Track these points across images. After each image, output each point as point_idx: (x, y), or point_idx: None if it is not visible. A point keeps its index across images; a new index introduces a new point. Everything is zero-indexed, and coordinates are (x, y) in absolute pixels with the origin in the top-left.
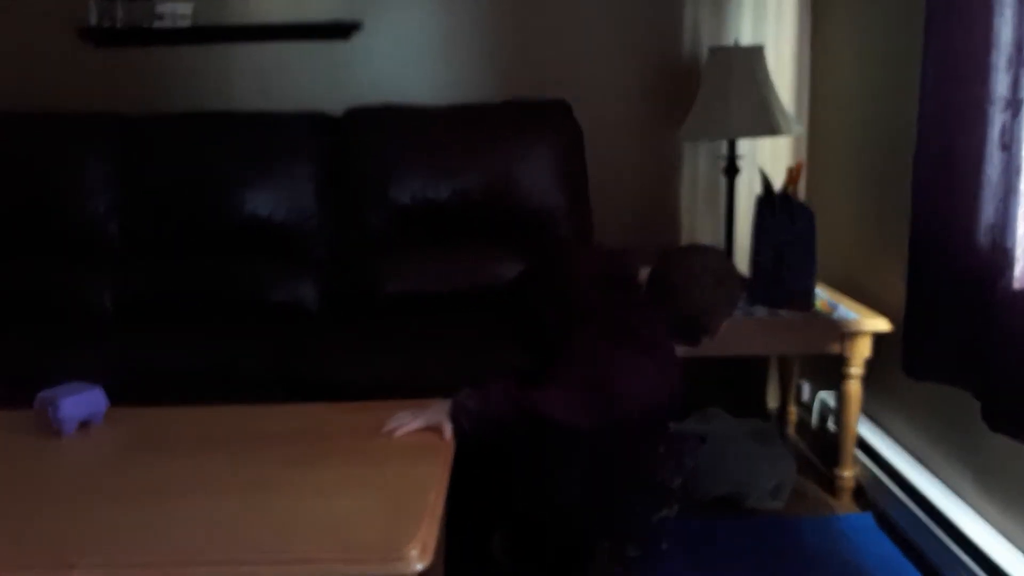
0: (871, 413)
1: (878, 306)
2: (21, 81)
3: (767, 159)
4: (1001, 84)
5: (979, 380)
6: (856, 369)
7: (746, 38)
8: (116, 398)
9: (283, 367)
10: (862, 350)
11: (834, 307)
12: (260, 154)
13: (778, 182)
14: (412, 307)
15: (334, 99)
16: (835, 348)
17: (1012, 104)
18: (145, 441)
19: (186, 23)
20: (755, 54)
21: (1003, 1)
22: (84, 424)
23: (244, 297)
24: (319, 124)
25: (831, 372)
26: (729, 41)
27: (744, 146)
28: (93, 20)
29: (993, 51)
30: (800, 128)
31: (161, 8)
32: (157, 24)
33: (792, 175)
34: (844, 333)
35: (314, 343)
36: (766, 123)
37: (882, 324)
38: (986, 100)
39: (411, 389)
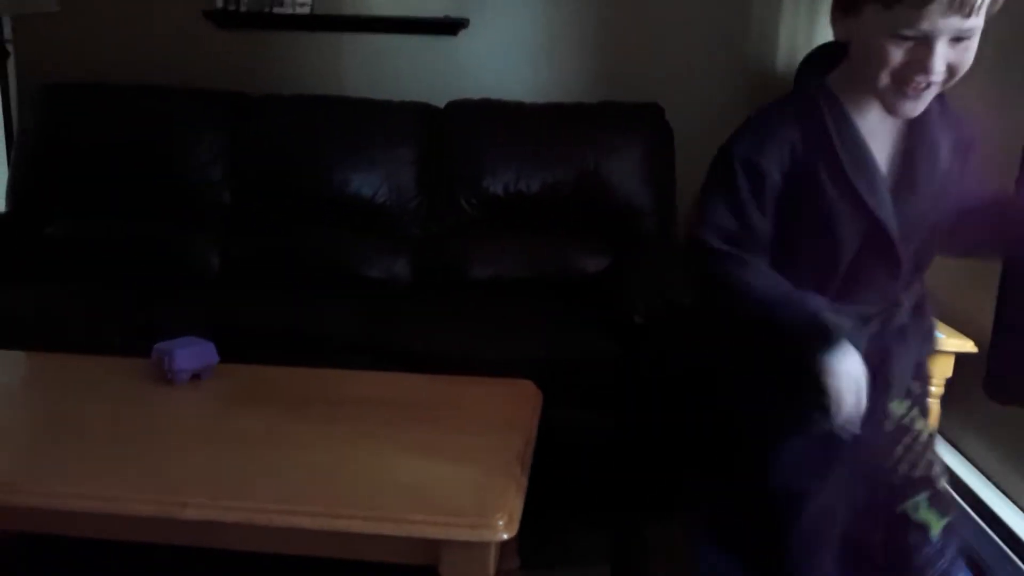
0: (948, 434)
1: (962, 324)
2: (150, 57)
3: None
4: None
5: None
6: (936, 388)
7: None
8: (222, 354)
9: (374, 336)
10: (943, 369)
11: None
12: (366, 138)
13: None
14: (498, 290)
15: (438, 91)
16: None
17: None
18: (249, 396)
19: (305, 11)
20: None
21: None
22: (196, 376)
23: (342, 269)
24: (422, 114)
25: None
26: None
27: None
28: (219, 3)
29: None
30: None
31: None
32: (278, 10)
33: None
34: None
35: (404, 316)
36: None
37: (966, 344)
38: None
39: (494, 364)
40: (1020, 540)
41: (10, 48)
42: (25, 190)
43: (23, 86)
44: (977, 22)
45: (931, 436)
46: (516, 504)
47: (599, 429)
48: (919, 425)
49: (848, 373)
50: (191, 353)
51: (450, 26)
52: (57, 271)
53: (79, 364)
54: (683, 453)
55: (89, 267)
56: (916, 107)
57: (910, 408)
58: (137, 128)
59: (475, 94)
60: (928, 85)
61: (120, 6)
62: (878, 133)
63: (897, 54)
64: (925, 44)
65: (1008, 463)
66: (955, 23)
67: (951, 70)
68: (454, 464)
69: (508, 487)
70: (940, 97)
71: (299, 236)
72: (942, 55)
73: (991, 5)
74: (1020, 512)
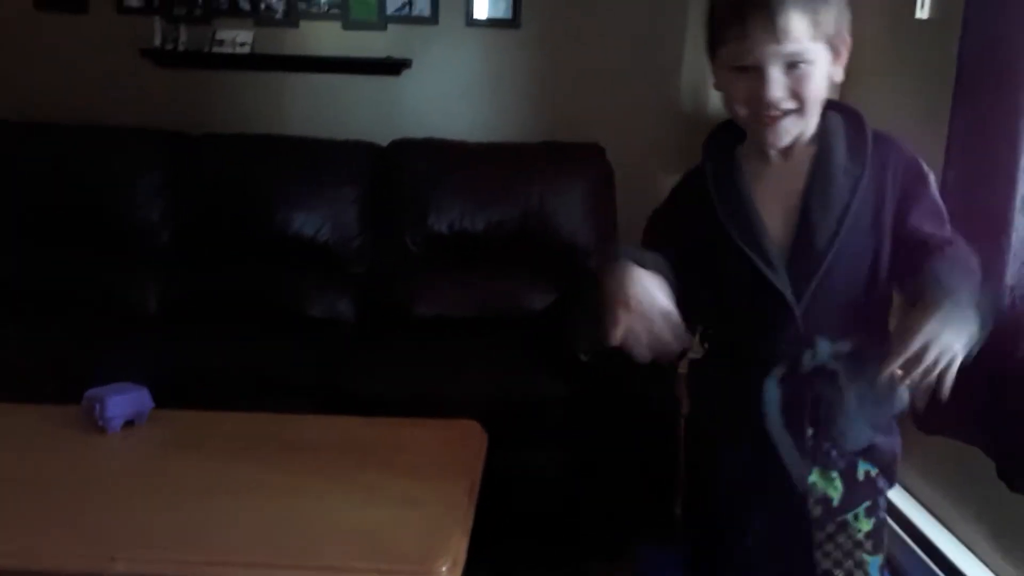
0: None
1: None
2: (89, 96)
3: None
4: None
5: (993, 441)
6: None
7: None
8: (158, 398)
9: (317, 378)
10: None
11: None
12: (309, 177)
13: None
14: (443, 328)
15: (382, 131)
16: None
17: None
18: (186, 443)
19: (245, 50)
20: None
21: None
22: (129, 423)
23: (285, 308)
24: (366, 153)
25: None
26: None
27: None
28: (157, 41)
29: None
30: None
31: (222, 34)
32: (217, 49)
33: None
34: None
35: (348, 357)
36: None
37: None
38: (1013, 164)
39: (439, 405)
40: (956, 569)
41: None
42: None
43: None
44: (801, 47)
45: (878, 565)
46: (460, 548)
47: (546, 469)
48: (860, 528)
49: (615, 285)
50: (124, 399)
51: (393, 67)
52: None
53: (5, 412)
54: (629, 491)
55: (23, 309)
56: (778, 136)
57: (846, 496)
58: (74, 167)
59: (418, 134)
60: (783, 113)
61: (58, 44)
62: (772, 180)
63: (741, 87)
64: (759, 74)
65: (944, 493)
66: (776, 50)
67: (797, 96)
68: (397, 509)
69: (452, 531)
70: (876, 139)
71: (240, 276)
72: (776, 82)
73: (819, 29)
74: (957, 540)
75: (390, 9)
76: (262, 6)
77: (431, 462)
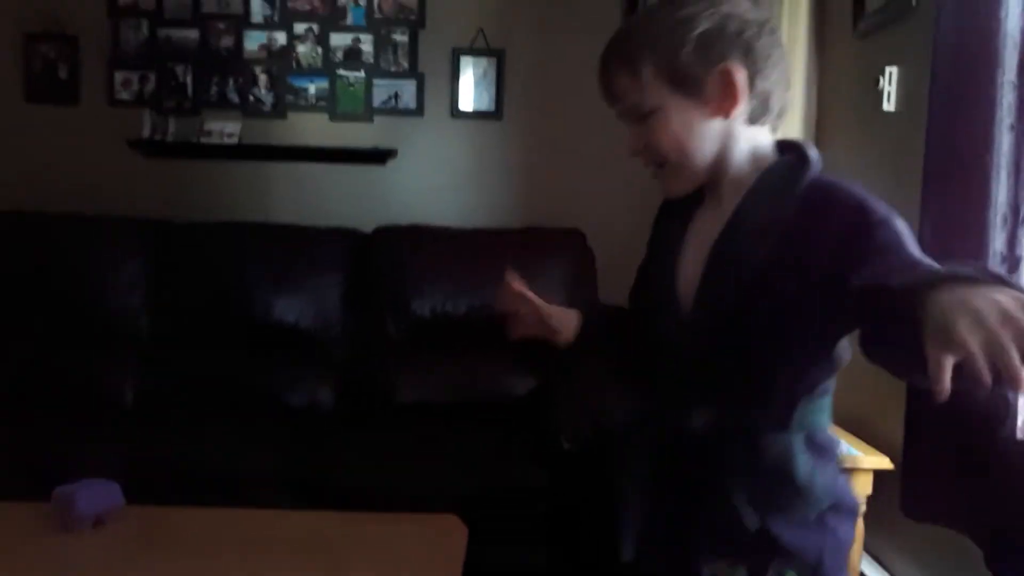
0: (872, 550)
1: (879, 442)
2: (75, 185)
3: None
4: (998, 241)
5: (981, 528)
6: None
7: None
8: (131, 493)
9: (294, 471)
10: (863, 486)
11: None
12: (291, 263)
13: None
14: (425, 415)
15: (366, 218)
16: None
17: (1008, 259)
18: (155, 541)
19: (233, 140)
20: None
21: (999, 165)
22: (99, 521)
23: (265, 396)
24: (349, 239)
25: None
26: None
27: None
28: (146, 133)
29: (989, 210)
30: None
31: (210, 126)
32: (205, 140)
33: None
34: (844, 468)
35: (326, 448)
36: None
37: (883, 462)
38: (984, 256)
39: (418, 498)
40: None
41: None
42: None
43: None
44: (634, 101)
45: None
46: None
47: (528, 563)
48: None
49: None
50: (93, 496)
51: (379, 156)
52: None
53: None
54: None
55: None
56: (664, 187)
57: None
58: (56, 257)
59: (403, 220)
60: (659, 164)
61: (42, 136)
62: (703, 221)
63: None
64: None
65: None
66: (617, 109)
67: (653, 147)
68: None
69: None
70: (813, 185)
71: (219, 364)
72: (632, 137)
73: (652, 79)
74: None
75: (377, 101)
76: (250, 98)
77: (409, 559)
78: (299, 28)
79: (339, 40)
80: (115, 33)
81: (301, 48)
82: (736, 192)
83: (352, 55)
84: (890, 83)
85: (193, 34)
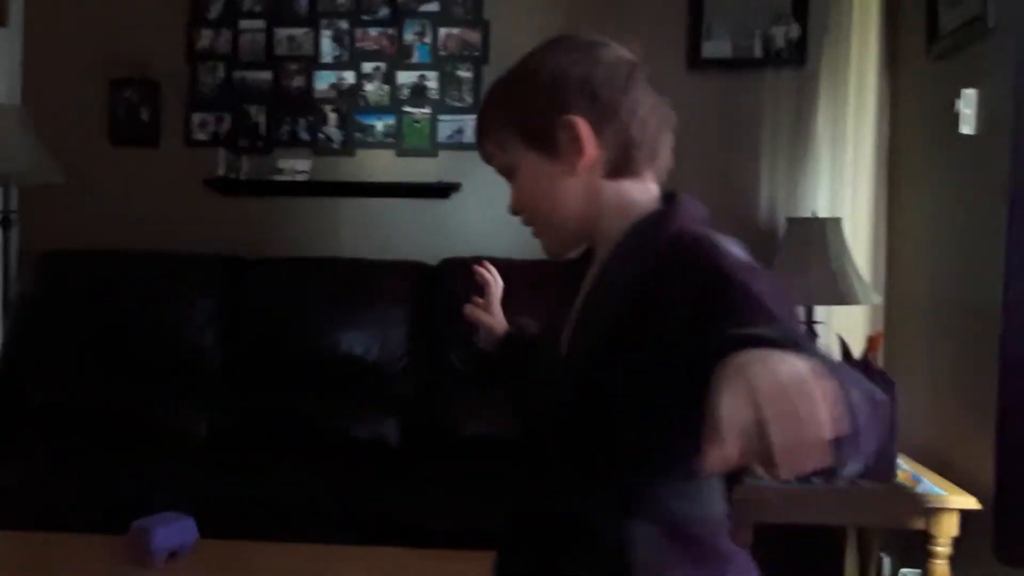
0: None
1: (966, 482)
2: (152, 224)
3: (843, 327)
4: None
5: None
6: (942, 548)
7: (823, 209)
8: (205, 527)
9: (361, 507)
10: (948, 528)
11: (917, 480)
12: (359, 298)
13: (856, 351)
14: (489, 449)
15: (431, 251)
16: (919, 524)
17: None
18: (229, 575)
19: (303, 177)
20: (832, 225)
21: None
22: (173, 554)
23: (331, 430)
24: (415, 272)
25: (915, 548)
26: (806, 212)
27: (820, 313)
28: (221, 171)
29: None
30: (877, 297)
31: (282, 163)
32: (277, 177)
33: (872, 343)
34: (928, 508)
35: (392, 484)
36: (843, 292)
37: (970, 502)
38: None
39: (483, 535)
40: None
41: (13, 218)
42: (16, 357)
43: (25, 254)
44: (499, 163)
45: None
46: None
47: None
48: None
49: None
50: (169, 531)
51: (443, 190)
52: (43, 439)
53: (52, 543)
54: None
55: (76, 435)
56: (544, 246)
57: None
58: (131, 294)
59: (467, 252)
60: (529, 223)
61: (124, 176)
62: (586, 283)
63: None
64: None
65: None
66: (491, 164)
67: (517, 206)
68: None
69: None
70: (673, 241)
71: (288, 399)
72: (512, 193)
73: (509, 141)
74: None
75: (441, 136)
76: (321, 136)
77: None
78: (367, 67)
79: (405, 78)
80: (193, 77)
81: (369, 87)
82: (607, 249)
83: (418, 92)
84: (967, 106)
85: (266, 75)
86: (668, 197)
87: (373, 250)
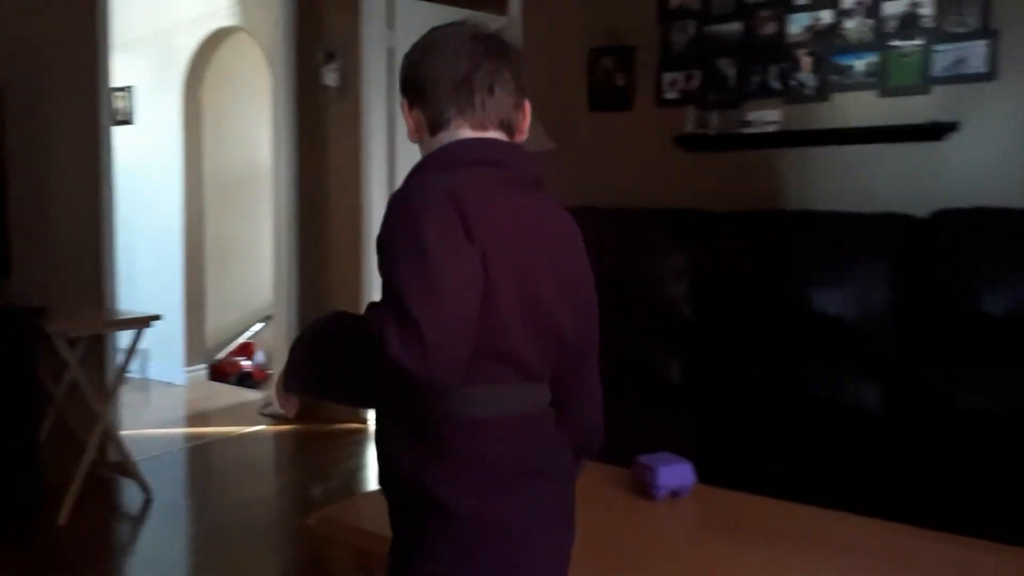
0: None
1: None
2: (630, 182)
3: None
4: None
5: None
6: None
7: None
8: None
9: (833, 475)
10: None
11: None
12: (835, 253)
13: None
14: (988, 428)
15: (919, 201)
16: None
17: None
18: (724, 523)
19: (774, 128)
20: None
21: None
22: (673, 493)
23: (803, 390)
24: (901, 226)
25: None
26: None
27: None
28: (688, 128)
29: None
30: None
31: (751, 115)
32: (745, 130)
33: None
34: None
35: (874, 456)
36: None
37: None
38: None
39: (998, 524)
40: None
41: None
42: None
43: None
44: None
45: None
46: None
47: None
48: None
49: None
50: (671, 471)
51: (936, 131)
52: None
53: None
54: None
55: None
56: None
57: None
58: (613, 247)
59: (966, 203)
60: None
61: (600, 139)
62: None
63: None
64: None
65: None
66: None
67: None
68: None
69: None
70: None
71: (758, 352)
72: None
73: None
74: None
75: (936, 70)
76: (792, 83)
77: None
78: (847, 2)
79: (892, 8)
80: (665, 37)
81: (848, 24)
82: None
83: (908, 22)
84: None
85: (737, 27)
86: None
87: (848, 202)
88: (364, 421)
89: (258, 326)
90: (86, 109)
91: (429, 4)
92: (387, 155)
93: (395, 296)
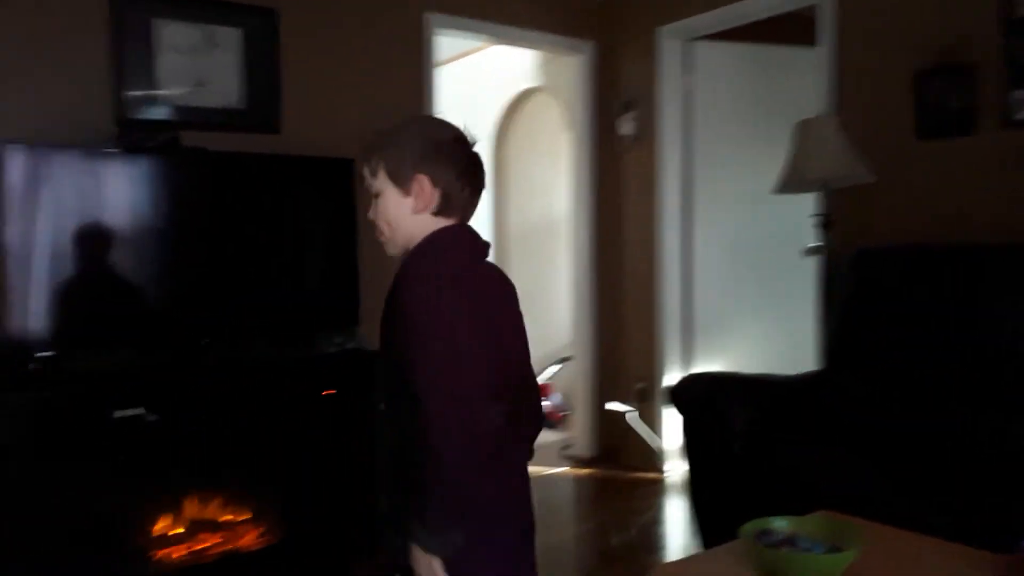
0: None
1: None
2: (973, 216)
3: None
4: None
5: None
6: None
7: None
8: None
9: None
10: None
11: None
12: None
13: None
14: None
15: None
16: None
17: None
18: None
19: None
20: None
21: None
22: None
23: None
24: None
25: None
26: None
27: None
28: None
29: None
30: None
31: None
32: None
33: None
34: None
35: None
36: None
37: None
38: None
39: None
40: None
41: (831, 219)
42: (837, 351)
43: (839, 252)
44: (367, 184)
45: None
46: None
47: None
48: None
49: None
50: None
51: None
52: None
53: (923, 546)
54: None
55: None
56: (386, 249)
57: None
58: (942, 291)
59: None
60: (380, 233)
61: (931, 170)
62: None
63: None
64: None
65: None
66: (363, 184)
67: (373, 216)
68: None
69: None
70: (404, 263)
71: None
72: (372, 207)
73: (378, 173)
74: None
75: None
76: None
77: None
78: None
79: None
80: (1011, 50)
81: None
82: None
83: None
84: None
85: None
86: (442, 232)
87: None
88: (662, 471)
89: (554, 368)
90: None
91: (726, 44)
92: (681, 197)
93: None
